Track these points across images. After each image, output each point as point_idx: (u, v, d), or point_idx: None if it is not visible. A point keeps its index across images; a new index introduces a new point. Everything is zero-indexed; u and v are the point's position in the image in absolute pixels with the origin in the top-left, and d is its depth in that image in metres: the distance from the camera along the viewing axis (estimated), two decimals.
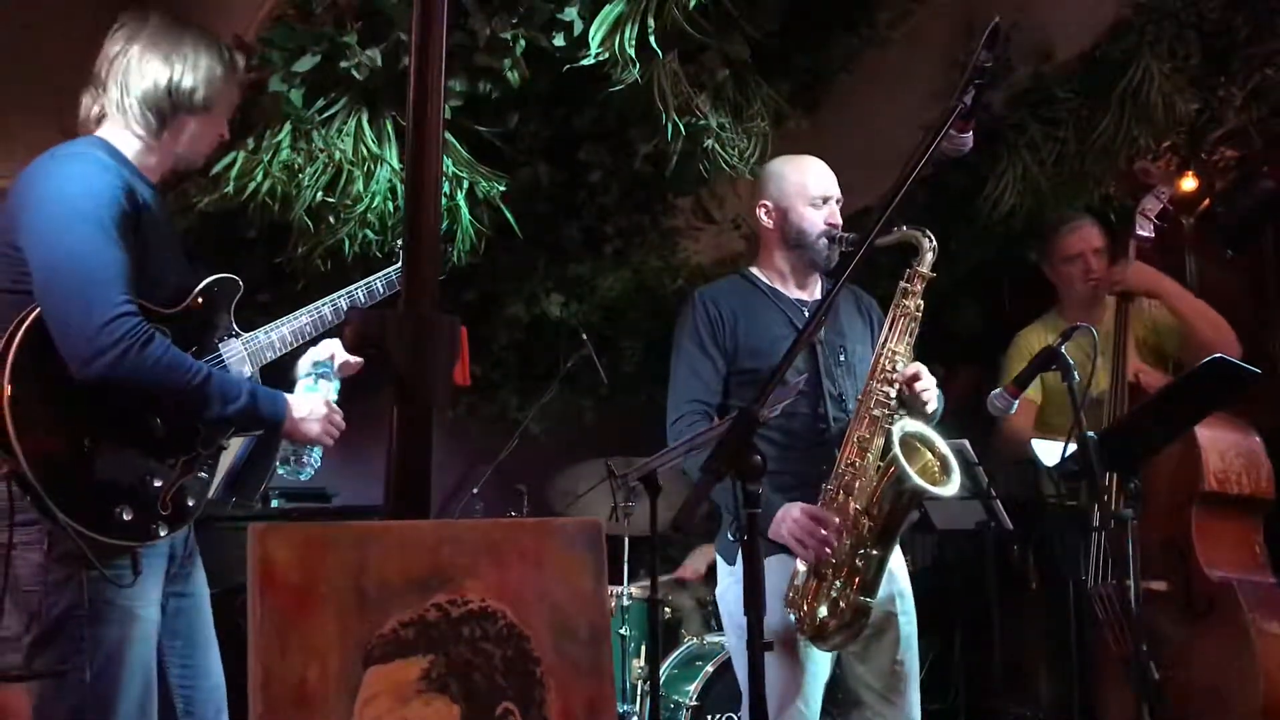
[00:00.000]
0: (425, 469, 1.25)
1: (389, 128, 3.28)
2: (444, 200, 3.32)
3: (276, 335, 2.35)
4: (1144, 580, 3.13)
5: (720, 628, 3.92)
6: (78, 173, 2.08)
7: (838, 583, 2.49)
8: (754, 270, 2.90)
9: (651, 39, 3.11)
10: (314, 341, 2.42)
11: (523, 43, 3.13)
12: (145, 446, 2.11)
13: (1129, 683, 3.19)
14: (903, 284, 2.64)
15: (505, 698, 1.15)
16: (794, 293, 2.85)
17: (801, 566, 2.54)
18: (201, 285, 2.27)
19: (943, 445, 2.52)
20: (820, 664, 2.63)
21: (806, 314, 2.79)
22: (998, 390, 2.90)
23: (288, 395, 2.27)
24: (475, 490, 4.39)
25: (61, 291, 2.01)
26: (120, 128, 2.22)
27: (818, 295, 2.87)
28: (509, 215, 3.53)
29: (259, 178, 3.18)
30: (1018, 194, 4.28)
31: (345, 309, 2.42)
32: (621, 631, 4.03)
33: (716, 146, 3.56)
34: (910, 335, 2.63)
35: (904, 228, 2.62)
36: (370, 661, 1.08)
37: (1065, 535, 3.48)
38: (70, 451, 2.02)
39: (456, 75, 3.15)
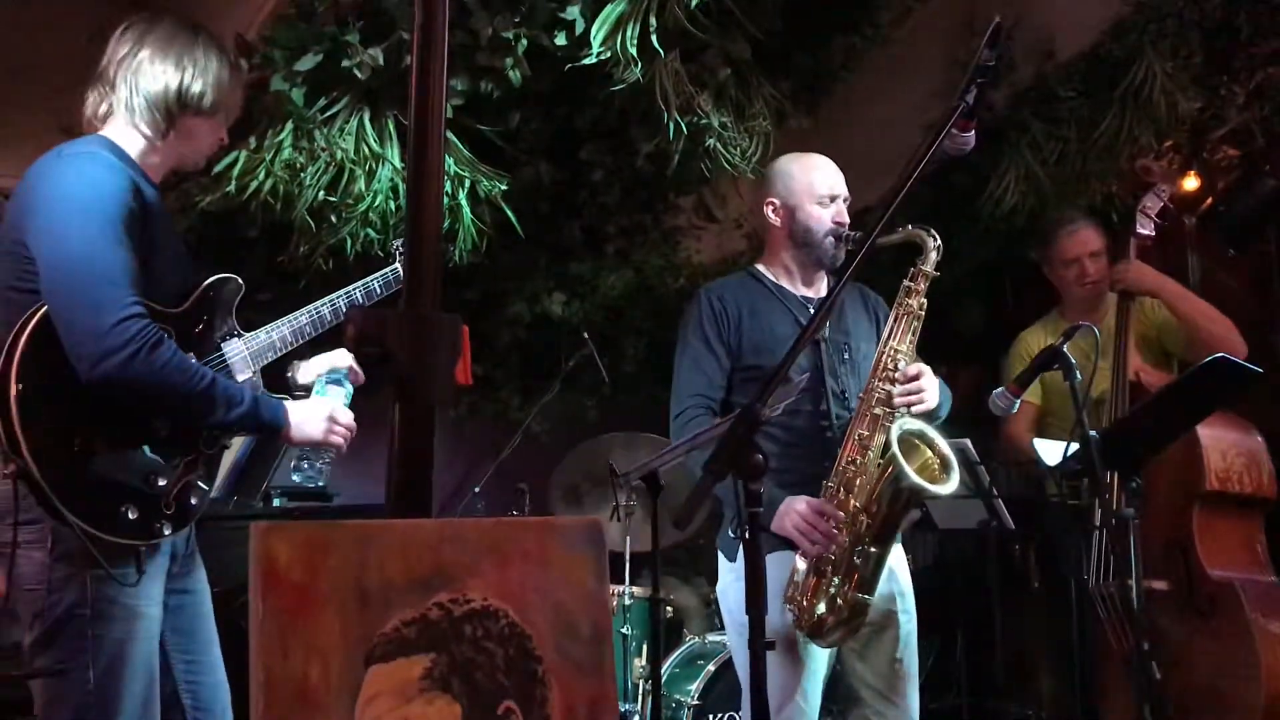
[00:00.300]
0: (427, 468, 1.24)
1: (391, 127, 3.28)
2: (445, 199, 3.33)
3: (277, 335, 2.36)
4: (1145, 579, 3.13)
5: (722, 626, 3.92)
6: (85, 172, 2.08)
7: (836, 580, 2.49)
8: (760, 268, 2.91)
9: (653, 38, 3.11)
10: (313, 341, 2.43)
11: (524, 42, 3.13)
12: (149, 446, 2.12)
13: (1130, 682, 3.19)
14: (906, 282, 2.64)
15: (507, 697, 1.15)
16: (800, 290, 2.85)
17: (801, 563, 2.54)
18: (203, 285, 2.28)
19: (943, 444, 2.52)
20: (819, 661, 2.63)
21: (812, 311, 2.79)
22: (999, 390, 2.90)
23: (287, 401, 2.27)
24: (477, 489, 4.40)
25: (69, 291, 2.01)
26: (126, 126, 2.22)
27: (824, 293, 2.87)
28: (510, 214, 3.54)
29: (261, 177, 3.19)
30: (1020, 193, 4.29)
31: (344, 309, 2.43)
32: (623, 630, 4.03)
33: (718, 146, 3.56)
34: (913, 334, 2.63)
35: (909, 226, 2.62)
36: (372, 660, 1.08)
37: (1067, 534, 3.48)
38: (76, 450, 2.02)
39: (458, 74, 3.16)
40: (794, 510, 2.53)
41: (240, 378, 2.28)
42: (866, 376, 2.64)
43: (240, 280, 2.34)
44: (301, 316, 2.40)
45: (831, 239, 2.77)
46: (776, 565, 2.53)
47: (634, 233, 4.44)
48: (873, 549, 2.50)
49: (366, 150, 3.24)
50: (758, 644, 1.88)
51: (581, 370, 4.50)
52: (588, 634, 1.23)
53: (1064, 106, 4.24)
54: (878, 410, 2.55)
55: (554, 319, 4.51)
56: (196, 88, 2.22)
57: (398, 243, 2.67)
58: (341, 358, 2.41)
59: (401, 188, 3.29)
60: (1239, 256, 4.80)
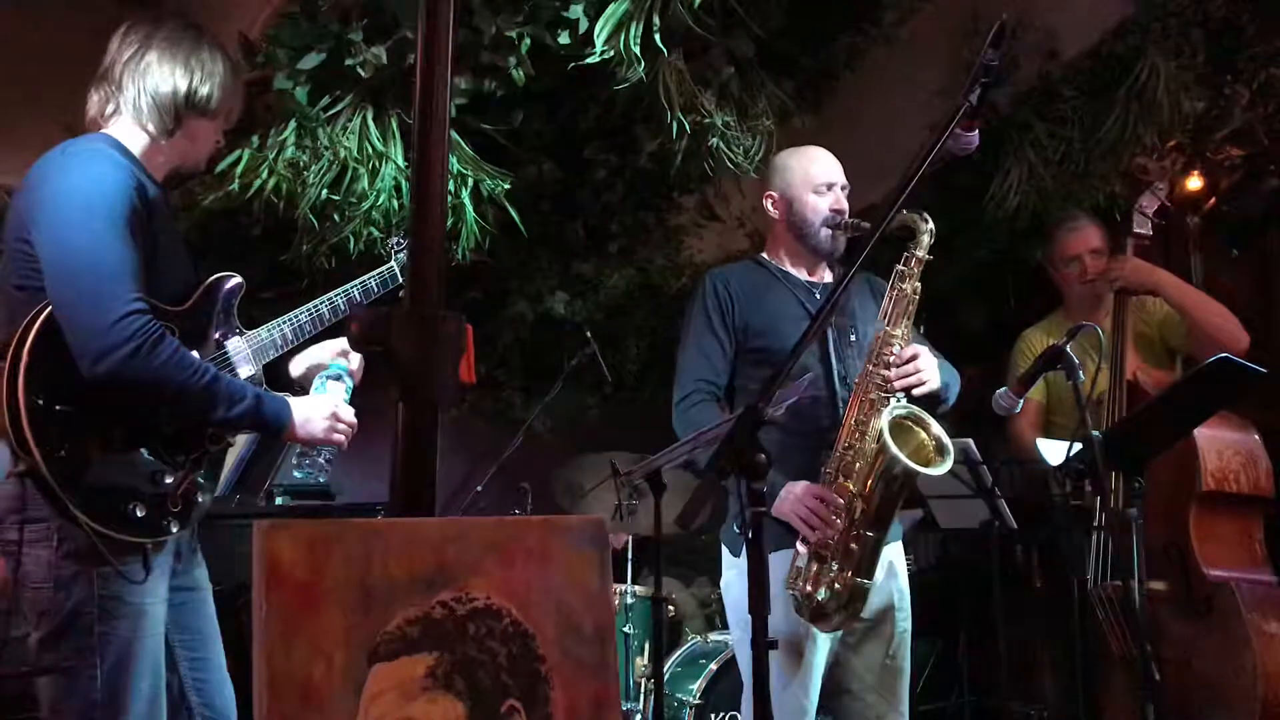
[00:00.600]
0: (430, 467, 1.25)
1: (394, 125, 3.28)
2: (449, 198, 3.32)
3: (278, 333, 2.37)
4: (1145, 580, 3.13)
5: (724, 626, 3.92)
6: (91, 169, 2.09)
7: (835, 565, 2.50)
8: (765, 255, 2.93)
9: (656, 37, 3.11)
10: (313, 340, 2.43)
11: (528, 40, 3.13)
12: (155, 443, 2.12)
13: (1131, 681, 3.19)
14: (899, 267, 2.64)
15: (510, 695, 1.15)
16: (804, 277, 2.87)
17: (802, 548, 2.55)
18: (206, 283, 2.28)
19: (937, 426, 2.52)
20: (819, 656, 2.64)
21: (817, 295, 2.82)
22: (1002, 389, 2.90)
23: (290, 399, 2.28)
24: (479, 488, 4.40)
25: (72, 287, 2.01)
26: (133, 126, 2.23)
27: (828, 278, 2.89)
28: (514, 213, 3.54)
29: (264, 175, 3.19)
30: (1023, 193, 4.28)
31: (343, 308, 2.44)
32: (625, 629, 4.03)
33: (721, 145, 3.56)
34: (908, 318, 2.63)
35: (902, 212, 2.62)
36: (376, 659, 1.08)
37: (1069, 535, 3.47)
38: (85, 449, 2.03)
39: (462, 73, 3.16)
40: (793, 495, 2.55)
41: (243, 374, 2.28)
42: None
43: (242, 279, 2.35)
44: (302, 315, 2.41)
45: (829, 226, 2.79)
46: (779, 564, 2.54)
47: (637, 232, 4.44)
48: (870, 533, 2.51)
49: (370, 149, 3.25)
50: (760, 644, 1.88)
51: (584, 369, 4.51)
52: (591, 633, 1.23)
53: (1067, 106, 4.23)
54: (874, 395, 2.56)
55: (557, 318, 4.52)
56: (205, 90, 2.25)
57: (393, 241, 2.69)
58: (332, 349, 2.42)
59: (405, 186, 3.29)
60: (1242, 256, 4.79)
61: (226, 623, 2.40)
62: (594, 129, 3.77)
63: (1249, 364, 2.79)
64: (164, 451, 2.13)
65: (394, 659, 1.09)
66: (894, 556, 2.76)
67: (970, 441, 3.22)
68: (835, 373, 2.71)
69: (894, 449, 2.42)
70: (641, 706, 3.98)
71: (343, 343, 2.42)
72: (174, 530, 2.14)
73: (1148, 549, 3.20)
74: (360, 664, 1.07)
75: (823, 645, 2.64)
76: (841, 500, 2.50)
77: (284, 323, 2.39)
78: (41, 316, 2.01)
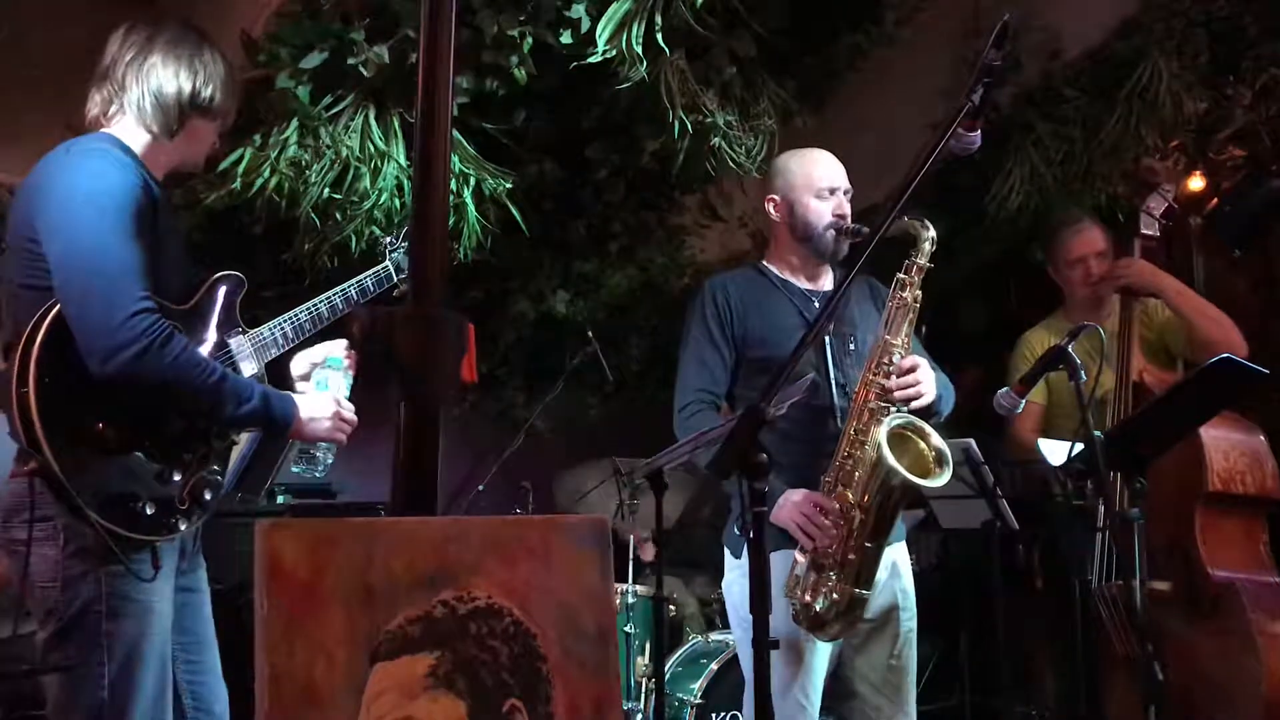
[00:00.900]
0: (432, 466, 1.25)
1: (396, 124, 3.28)
2: (450, 197, 3.33)
3: (279, 331, 2.37)
4: (1148, 580, 3.13)
5: (725, 625, 3.92)
6: (96, 167, 2.09)
7: (833, 574, 2.49)
8: (765, 263, 2.92)
9: (659, 36, 3.11)
10: (313, 338, 2.44)
11: (530, 40, 3.13)
12: (163, 441, 2.12)
13: (1134, 682, 3.19)
14: (900, 275, 2.63)
15: (512, 694, 1.15)
16: (804, 284, 2.86)
17: (801, 556, 2.54)
18: (208, 282, 2.29)
19: (936, 437, 2.51)
20: (821, 659, 2.64)
21: (817, 304, 2.80)
22: (1004, 390, 2.89)
23: (296, 396, 2.28)
24: (481, 487, 4.40)
25: (81, 286, 2.01)
26: (135, 126, 2.23)
27: (828, 286, 2.88)
28: (515, 212, 3.54)
29: (266, 174, 3.19)
30: (1025, 193, 4.28)
31: (340, 306, 2.45)
32: (626, 629, 4.03)
33: (723, 144, 3.56)
34: (908, 326, 2.61)
35: (903, 218, 2.61)
36: (377, 658, 1.08)
37: (1071, 535, 3.47)
38: (95, 447, 2.03)
39: (463, 72, 3.16)
40: (791, 503, 2.54)
41: (246, 372, 2.29)
42: None
43: (243, 277, 2.35)
44: (302, 313, 2.41)
45: (832, 232, 2.78)
46: (780, 563, 2.54)
47: (639, 231, 4.44)
48: (868, 544, 2.50)
49: (371, 148, 3.25)
50: (762, 644, 1.88)
51: (586, 368, 4.51)
52: (592, 632, 1.23)
53: (1069, 106, 4.22)
54: (873, 405, 2.55)
55: (558, 317, 4.52)
56: (208, 91, 2.26)
57: (387, 240, 2.70)
58: (333, 349, 2.42)
59: (406, 185, 3.30)
60: (1244, 256, 4.79)
61: (227, 622, 2.40)
62: (596, 128, 3.77)
63: (1251, 365, 2.79)
64: (171, 449, 2.13)
65: (395, 658, 1.09)
66: (897, 557, 2.75)
67: (972, 442, 3.21)
68: (834, 380, 2.70)
69: (893, 462, 2.41)
70: (643, 706, 3.98)
71: (342, 344, 2.43)
72: (182, 528, 2.14)
73: (1153, 549, 3.20)
74: (362, 663, 1.07)
75: (823, 646, 2.63)
76: (838, 509, 2.50)
77: (284, 321, 2.39)
78: (50, 315, 2.01)
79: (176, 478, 2.13)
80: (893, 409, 2.53)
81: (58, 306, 2.02)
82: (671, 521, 4.41)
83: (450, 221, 3.37)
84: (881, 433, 2.44)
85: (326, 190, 3.26)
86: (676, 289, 4.69)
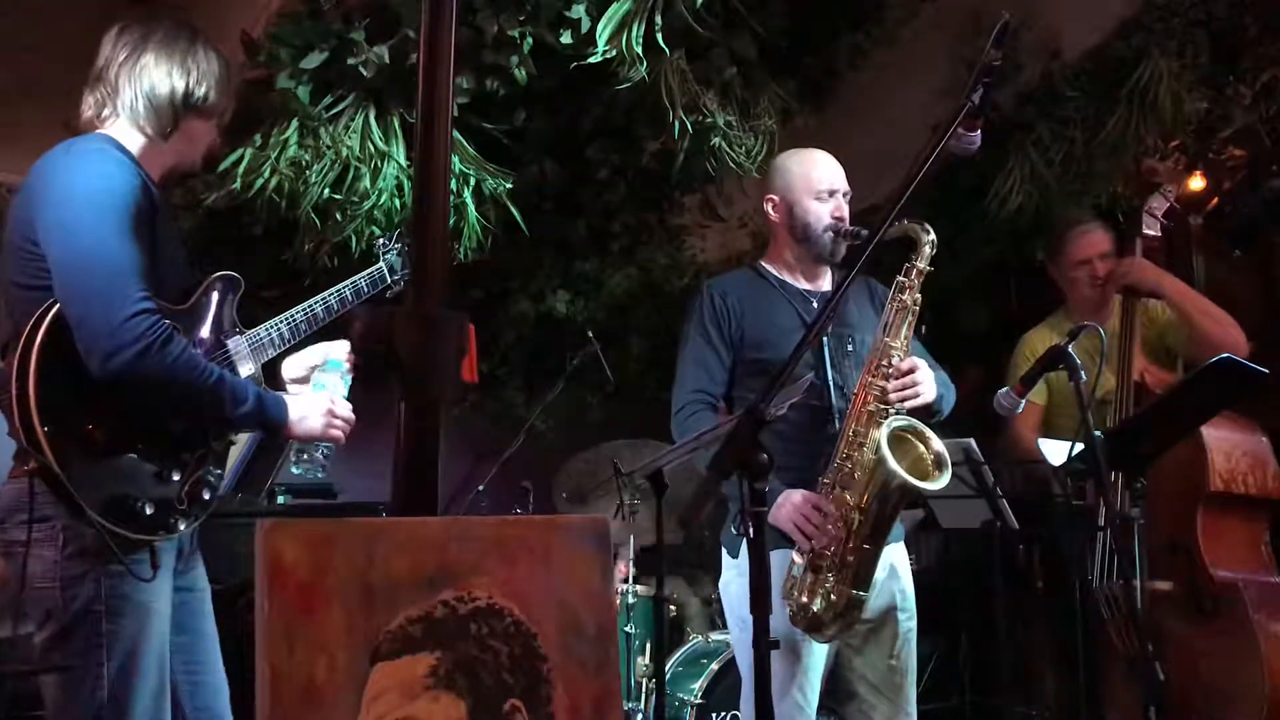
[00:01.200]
0: (432, 465, 1.25)
1: (396, 124, 3.29)
2: (451, 197, 3.33)
3: (275, 332, 2.38)
4: (1149, 580, 3.12)
5: (725, 625, 3.92)
6: (96, 167, 2.09)
7: (831, 576, 2.49)
8: (763, 263, 2.91)
9: (659, 37, 3.11)
10: (309, 339, 2.44)
11: (530, 40, 3.14)
12: (163, 441, 2.12)
13: (1135, 682, 3.18)
14: (899, 278, 2.63)
15: (512, 694, 1.15)
16: (802, 284, 2.85)
17: (798, 557, 2.54)
18: (206, 282, 2.29)
19: (936, 440, 2.51)
20: (818, 658, 2.64)
21: (815, 305, 2.80)
22: (1004, 389, 2.89)
23: (287, 396, 2.28)
24: (481, 487, 4.40)
25: (81, 287, 2.01)
26: (130, 128, 2.22)
27: (827, 287, 2.88)
28: (515, 212, 3.54)
29: (266, 174, 3.19)
30: (1025, 193, 4.28)
31: (335, 307, 2.45)
32: (627, 629, 4.03)
33: (723, 144, 3.56)
34: (908, 329, 2.61)
35: (904, 221, 2.61)
36: (378, 658, 1.08)
37: (1071, 535, 3.47)
38: (95, 447, 2.03)
39: (464, 73, 3.16)
40: (789, 503, 2.54)
41: (244, 372, 2.29)
42: None
43: (240, 278, 2.35)
44: (298, 314, 2.42)
45: (830, 234, 2.77)
46: (777, 562, 2.54)
47: (639, 231, 4.44)
48: (866, 545, 2.49)
49: (371, 148, 3.25)
50: (762, 644, 1.87)
51: (586, 368, 4.51)
52: (593, 632, 1.23)
53: (1070, 106, 4.22)
54: (872, 406, 2.55)
55: (558, 317, 4.52)
56: (201, 90, 2.25)
57: (381, 240, 2.70)
58: (334, 350, 2.42)
59: (406, 185, 3.30)
60: (1245, 256, 4.79)
61: (228, 622, 2.40)
62: (596, 128, 3.77)
63: (1252, 365, 2.79)
64: (170, 449, 2.13)
65: (396, 658, 1.09)
66: (896, 557, 2.75)
67: (972, 441, 3.21)
68: (831, 382, 2.70)
69: (892, 463, 2.41)
70: (643, 706, 3.98)
71: (340, 345, 2.43)
72: (181, 528, 2.14)
73: (1154, 549, 3.20)
74: (362, 663, 1.07)
75: (820, 646, 2.63)
76: (836, 510, 2.49)
77: (281, 322, 2.40)
78: (50, 315, 2.01)
79: (175, 478, 2.13)
80: (892, 411, 2.53)
81: (57, 306, 2.01)
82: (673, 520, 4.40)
83: (450, 221, 3.37)
84: (882, 435, 2.44)
85: (326, 190, 3.26)
86: (677, 289, 4.69)
